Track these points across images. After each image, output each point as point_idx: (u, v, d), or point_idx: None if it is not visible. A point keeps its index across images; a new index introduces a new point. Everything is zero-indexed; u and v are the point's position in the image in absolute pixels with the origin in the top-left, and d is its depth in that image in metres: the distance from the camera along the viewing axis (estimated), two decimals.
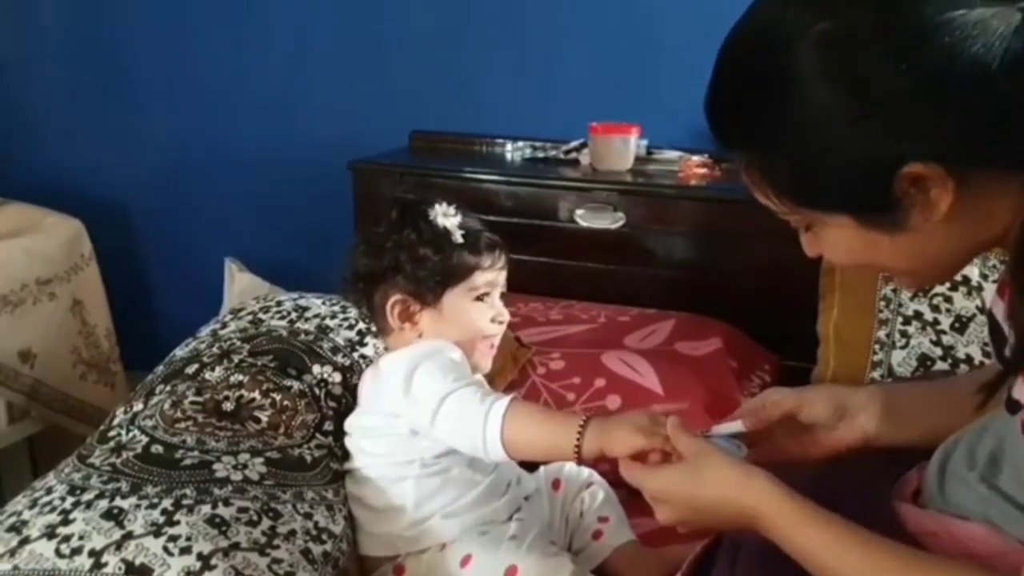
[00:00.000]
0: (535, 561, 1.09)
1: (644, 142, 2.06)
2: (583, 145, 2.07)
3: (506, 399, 1.09)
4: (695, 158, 2.00)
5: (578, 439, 1.02)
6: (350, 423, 1.24)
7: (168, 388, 1.29)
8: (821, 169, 0.75)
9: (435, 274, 1.18)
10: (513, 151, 2.18)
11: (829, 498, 0.92)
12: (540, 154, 2.14)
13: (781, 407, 1.04)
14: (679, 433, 0.94)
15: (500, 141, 2.21)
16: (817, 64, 0.72)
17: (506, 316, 1.25)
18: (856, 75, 0.71)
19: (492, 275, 1.22)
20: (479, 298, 1.22)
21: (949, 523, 0.83)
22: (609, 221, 1.92)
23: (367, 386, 1.25)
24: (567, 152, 2.11)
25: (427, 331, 1.21)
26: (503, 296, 1.27)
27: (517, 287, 1.89)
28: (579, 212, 1.94)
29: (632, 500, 1.26)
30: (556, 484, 1.29)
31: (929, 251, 0.77)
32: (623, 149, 1.99)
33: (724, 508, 0.88)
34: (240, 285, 1.88)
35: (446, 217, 1.20)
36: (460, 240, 1.19)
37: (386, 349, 1.27)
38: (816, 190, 0.77)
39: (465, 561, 1.12)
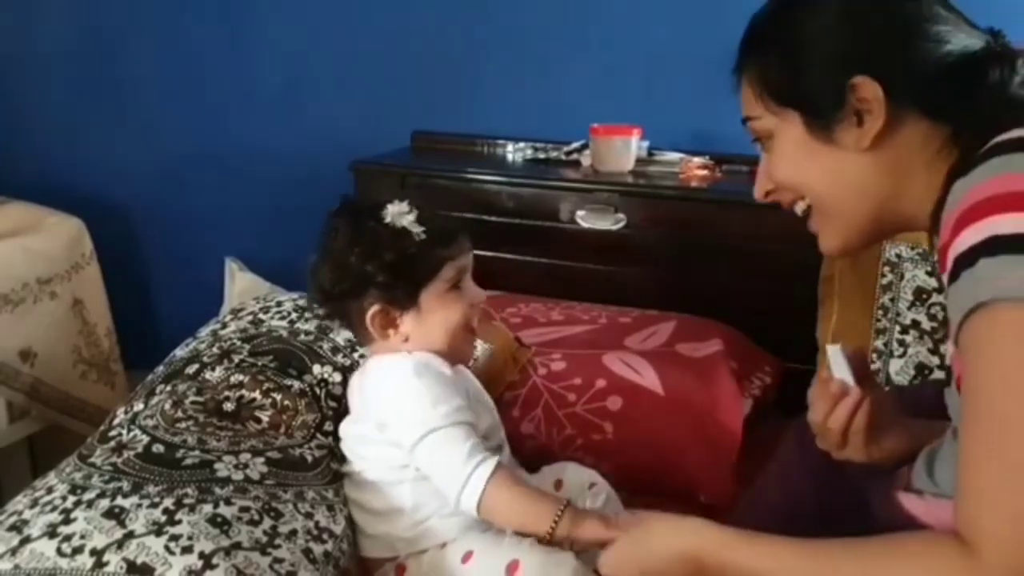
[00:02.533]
0: (537, 556, 1.09)
1: (645, 143, 2.06)
2: (584, 146, 2.08)
3: (490, 464, 1.10)
4: (696, 160, 2.00)
5: (553, 524, 1.07)
6: (343, 429, 1.24)
7: (168, 388, 1.29)
8: (799, 62, 0.89)
9: (407, 277, 1.17)
10: (514, 152, 2.18)
11: (830, 495, 0.93)
12: (541, 155, 2.14)
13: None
14: (628, 518, 1.04)
15: (501, 142, 2.21)
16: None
17: (482, 296, 1.24)
18: (860, 13, 0.87)
19: (461, 262, 1.21)
20: (454, 287, 1.20)
21: (943, 504, 0.86)
22: (610, 222, 1.92)
23: (356, 393, 1.24)
24: (568, 153, 2.11)
25: (412, 333, 1.20)
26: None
27: (518, 288, 1.91)
28: (580, 213, 1.94)
29: (634, 502, 1.26)
30: (558, 485, 1.29)
31: (848, 177, 0.89)
32: (624, 150, 1.99)
33: (666, 558, 0.92)
34: (241, 285, 1.88)
35: (401, 216, 1.17)
36: (423, 237, 1.17)
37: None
38: (789, 82, 0.89)
39: (466, 558, 1.12)
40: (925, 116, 0.85)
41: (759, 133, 0.93)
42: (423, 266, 1.17)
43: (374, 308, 1.17)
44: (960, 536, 0.72)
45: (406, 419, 1.14)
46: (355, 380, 1.26)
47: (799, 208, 0.95)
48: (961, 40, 0.85)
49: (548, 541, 1.08)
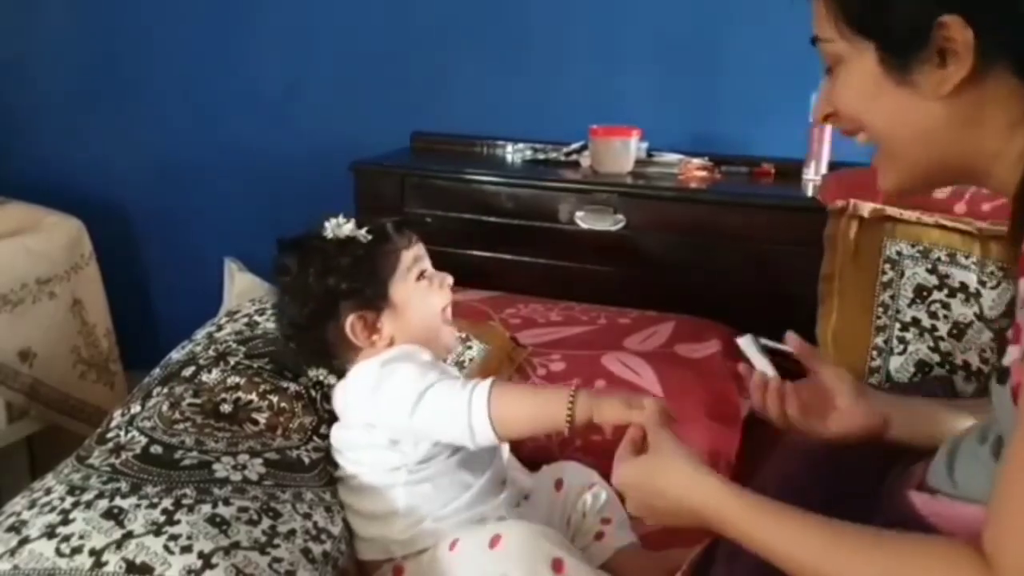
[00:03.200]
0: (518, 528, 1.10)
1: (644, 144, 2.06)
2: (583, 147, 2.08)
3: (487, 381, 1.10)
4: (695, 161, 2.00)
5: (570, 407, 1.05)
6: (334, 436, 1.25)
7: (165, 391, 1.29)
8: None
9: (369, 276, 1.19)
10: (514, 153, 2.18)
11: (836, 487, 0.92)
12: (541, 156, 2.14)
13: (819, 355, 1.06)
14: (653, 419, 0.99)
15: (501, 143, 2.21)
16: None
17: (449, 279, 1.26)
18: None
19: (415, 250, 1.24)
20: (419, 277, 1.23)
21: (958, 507, 0.84)
22: (609, 223, 1.93)
23: (340, 399, 1.25)
24: (567, 154, 2.11)
25: (396, 332, 1.21)
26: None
27: (517, 288, 1.91)
28: (579, 214, 1.94)
29: None
30: (559, 484, 1.29)
31: (917, 121, 0.81)
32: (623, 151, 1.99)
33: (676, 506, 0.91)
34: (240, 285, 1.88)
35: (340, 227, 1.21)
36: (368, 238, 1.21)
37: None
38: (870, 9, 0.80)
39: (452, 545, 1.13)
40: (1015, 73, 0.76)
41: (828, 57, 0.85)
42: (380, 262, 1.20)
43: (350, 318, 1.19)
44: (981, 549, 0.70)
45: (396, 393, 1.13)
46: (339, 388, 1.26)
47: (860, 139, 0.88)
48: None
49: (571, 429, 1.06)
